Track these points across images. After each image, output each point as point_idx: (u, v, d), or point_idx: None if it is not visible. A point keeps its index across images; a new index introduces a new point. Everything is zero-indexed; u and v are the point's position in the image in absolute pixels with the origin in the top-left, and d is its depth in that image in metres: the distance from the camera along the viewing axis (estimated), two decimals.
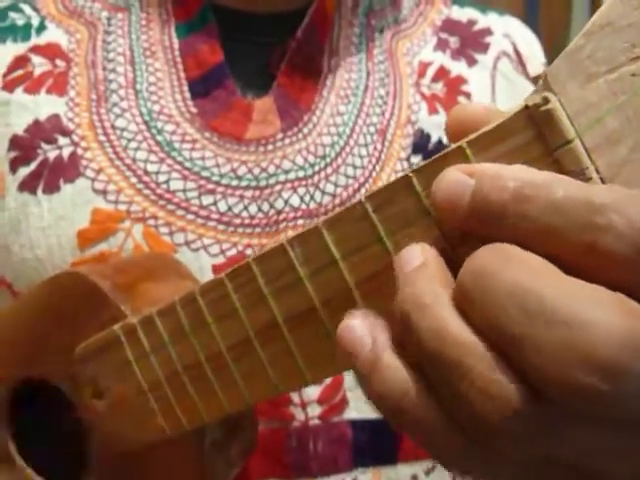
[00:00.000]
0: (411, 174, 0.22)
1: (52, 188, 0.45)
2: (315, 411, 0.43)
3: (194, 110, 0.46)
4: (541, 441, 0.18)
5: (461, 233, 0.21)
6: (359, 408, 0.43)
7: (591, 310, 0.17)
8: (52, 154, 0.45)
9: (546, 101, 0.20)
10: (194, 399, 0.30)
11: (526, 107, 0.20)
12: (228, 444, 0.36)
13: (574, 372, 0.17)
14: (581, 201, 0.18)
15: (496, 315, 0.18)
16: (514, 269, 0.19)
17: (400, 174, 0.23)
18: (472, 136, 0.21)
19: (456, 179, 0.21)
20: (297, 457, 0.43)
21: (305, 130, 0.47)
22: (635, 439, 0.19)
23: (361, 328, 0.22)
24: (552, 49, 0.46)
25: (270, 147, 0.46)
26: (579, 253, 0.18)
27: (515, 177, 0.19)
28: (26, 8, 0.51)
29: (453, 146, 0.21)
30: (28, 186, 0.45)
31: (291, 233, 0.44)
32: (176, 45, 0.48)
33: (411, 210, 0.22)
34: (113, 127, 0.46)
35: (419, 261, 0.21)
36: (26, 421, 0.41)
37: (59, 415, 0.40)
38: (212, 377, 0.29)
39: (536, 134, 0.20)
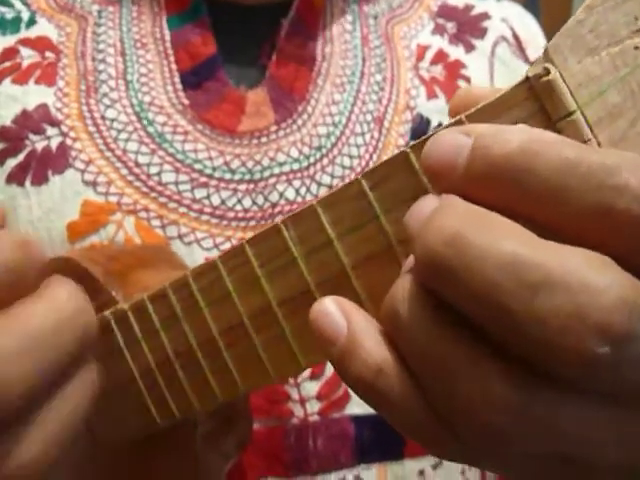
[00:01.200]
0: (408, 150, 0.22)
1: (40, 180, 0.44)
2: (314, 407, 0.42)
3: (186, 102, 0.46)
4: (539, 427, 0.17)
5: None
6: (361, 403, 0.42)
7: (596, 275, 0.16)
8: (40, 145, 0.44)
9: (547, 72, 0.19)
10: (185, 387, 0.29)
11: (527, 79, 0.20)
12: (222, 436, 0.35)
13: (588, 341, 0.16)
14: (595, 162, 0.17)
15: (486, 290, 0.17)
16: (496, 234, 0.17)
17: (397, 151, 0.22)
18: (472, 110, 0.21)
19: (450, 137, 0.19)
20: (296, 454, 0.42)
21: (299, 121, 0.46)
22: (625, 412, 0.18)
23: (335, 311, 0.21)
24: None
25: (264, 139, 0.45)
26: (588, 216, 0.17)
27: (521, 133, 0.18)
28: (16, 2, 0.50)
29: (452, 120, 0.21)
30: (16, 178, 0.44)
31: None
32: (167, 37, 0.47)
33: (408, 187, 0.22)
34: (103, 118, 0.45)
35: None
36: None
37: None
38: (204, 364, 0.28)
39: (537, 106, 0.19)
